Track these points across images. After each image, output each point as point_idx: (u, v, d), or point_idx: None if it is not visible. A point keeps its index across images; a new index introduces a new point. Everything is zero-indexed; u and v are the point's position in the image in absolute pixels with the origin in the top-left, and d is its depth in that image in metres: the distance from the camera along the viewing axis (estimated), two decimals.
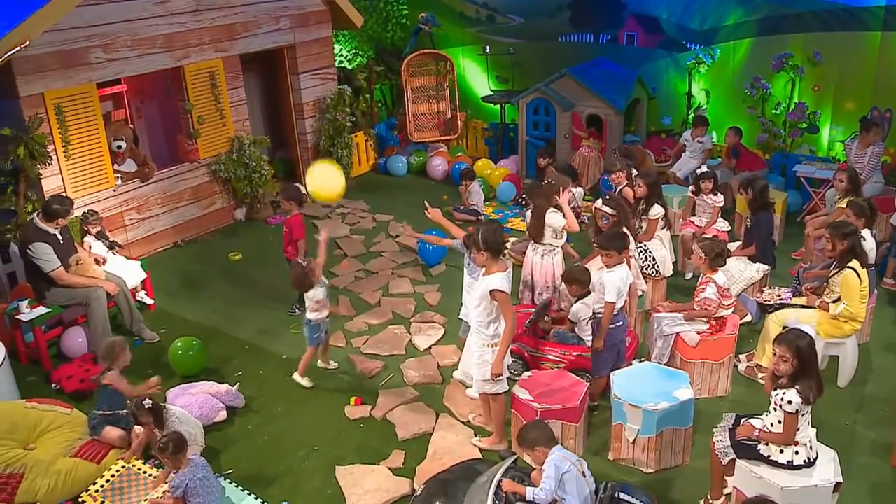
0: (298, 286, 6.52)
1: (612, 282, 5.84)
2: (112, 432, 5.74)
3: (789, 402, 4.56)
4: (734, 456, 4.88)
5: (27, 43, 7.66)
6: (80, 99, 8.45)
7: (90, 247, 7.78)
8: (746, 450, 4.84)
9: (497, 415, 5.71)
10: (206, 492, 5.03)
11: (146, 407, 5.37)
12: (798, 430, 4.66)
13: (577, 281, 6.24)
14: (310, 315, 6.52)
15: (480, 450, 5.76)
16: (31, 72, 7.95)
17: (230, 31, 9.96)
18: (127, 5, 8.70)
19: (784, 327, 6.44)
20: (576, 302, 6.33)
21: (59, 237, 7.05)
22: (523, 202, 10.49)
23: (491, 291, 5.20)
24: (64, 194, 7.60)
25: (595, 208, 7.18)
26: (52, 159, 8.22)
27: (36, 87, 8.02)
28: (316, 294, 6.46)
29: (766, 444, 4.77)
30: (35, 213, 7.18)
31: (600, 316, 5.94)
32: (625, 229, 6.95)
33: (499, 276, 5.21)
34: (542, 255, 7.06)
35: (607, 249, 5.89)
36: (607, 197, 7.34)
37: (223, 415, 6.24)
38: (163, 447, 5.00)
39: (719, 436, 5.01)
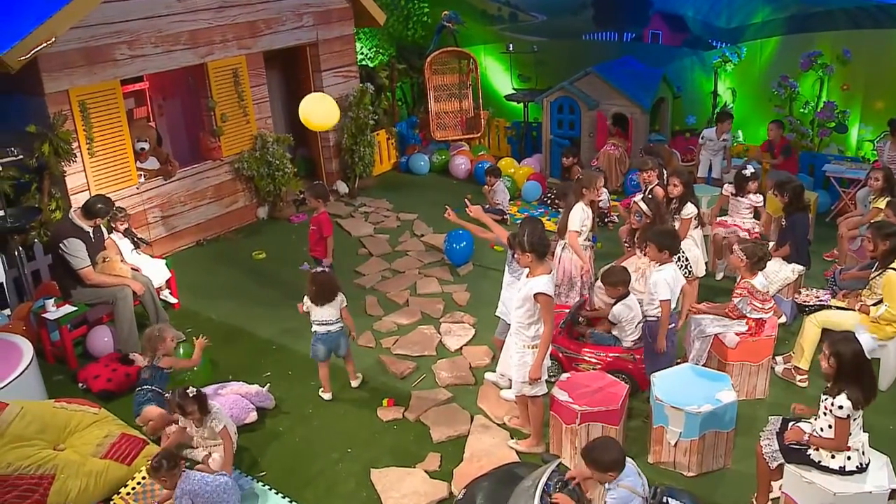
0: (329, 294, 6.17)
1: (663, 280, 5.73)
2: (154, 411, 5.82)
3: (840, 407, 4.46)
4: (783, 460, 4.77)
5: (53, 39, 7.60)
6: (105, 96, 8.38)
7: (114, 242, 7.67)
8: (796, 454, 4.73)
9: (535, 417, 5.61)
10: (211, 490, 4.96)
11: (190, 395, 5.31)
12: (850, 434, 4.55)
13: (619, 282, 6.12)
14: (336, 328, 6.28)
15: (518, 452, 5.65)
16: (57, 69, 7.89)
17: (253, 28, 9.87)
18: (151, 1, 8.63)
19: (823, 329, 6.37)
20: (615, 303, 6.22)
21: (92, 236, 6.98)
22: (548, 201, 10.38)
23: (535, 294, 5.09)
24: (101, 195, 7.50)
25: (633, 202, 7.07)
26: (76, 156, 8.15)
27: (61, 83, 7.96)
28: (342, 301, 6.29)
29: (817, 450, 4.65)
30: (72, 209, 7.11)
31: (651, 320, 5.79)
32: None
33: (544, 279, 5.11)
34: (564, 248, 7.03)
35: (661, 249, 5.74)
36: (649, 196, 7.21)
37: (253, 416, 6.15)
38: (156, 467, 4.85)
39: (766, 440, 4.90)
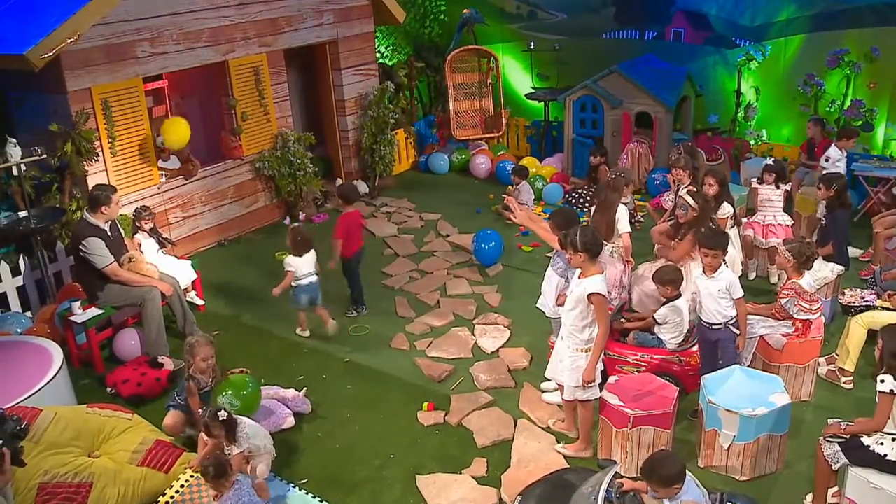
0: (307, 243, 7.03)
1: (736, 279, 5.59)
2: (173, 416, 5.76)
3: (881, 381, 4.42)
4: (846, 460, 4.65)
5: (77, 37, 7.46)
6: (127, 94, 8.24)
7: (140, 244, 7.54)
8: (858, 452, 4.62)
9: (585, 421, 5.47)
10: None
11: (220, 419, 5.13)
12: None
13: (672, 282, 5.96)
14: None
15: (565, 457, 5.51)
16: (79, 66, 7.75)
17: (274, 26, 9.73)
18: None
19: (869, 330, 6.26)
20: (665, 303, 6.07)
21: (109, 232, 6.82)
22: (573, 201, 10.23)
23: (589, 295, 4.96)
24: (97, 184, 7.31)
25: (679, 196, 6.94)
26: (98, 155, 7.99)
27: (83, 81, 7.82)
28: (313, 256, 7.10)
29: (880, 443, 4.54)
30: (84, 210, 6.95)
31: (717, 327, 5.61)
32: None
33: (598, 279, 4.98)
34: (611, 253, 6.82)
35: (713, 249, 5.56)
36: (695, 190, 7.05)
37: (291, 421, 6.01)
38: (204, 471, 4.81)
39: (827, 441, 4.78)
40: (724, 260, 5.68)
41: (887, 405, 4.42)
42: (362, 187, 11.12)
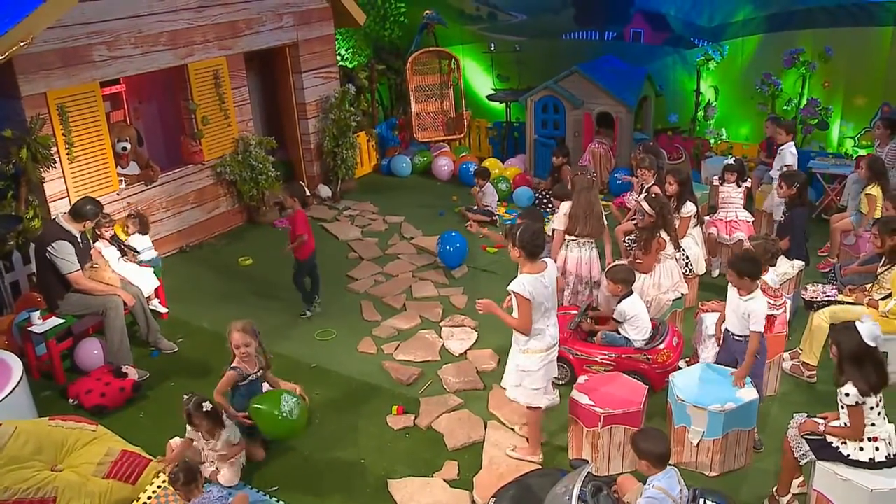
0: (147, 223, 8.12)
1: (758, 311, 5.35)
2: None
3: (846, 395, 4.51)
4: (814, 458, 4.72)
5: (30, 40, 7.28)
6: (84, 98, 8.07)
7: (100, 252, 7.39)
8: (826, 451, 4.70)
9: (533, 424, 5.46)
10: None
11: (204, 409, 5.09)
12: (874, 425, 4.56)
13: (623, 280, 6.07)
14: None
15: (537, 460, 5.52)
16: (34, 70, 7.57)
17: (234, 29, 9.61)
18: (131, 1, 8.33)
19: (832, 324, 6.36)
20: (619, 302, 6.13)
21: (80, 241, 6.68)
22: (536, 202, 10.27)
23: (510, 290, 4.98)
24: (89, 196, 7.17)
25: (636, 201, 7.01)
26: (55, 162, 7.81)
27: (38, 86, 7.64)
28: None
29: (844, 443, 4.64)
30: (60, 213, 6.80)
31: (738, 338, 5.56)
32: (664, 233, 6.81)
33: (524, 279, 4.93)
34: (588, 249, 6.91)
35: (741, 276, 5.35)
36: (653, 195, 7.10)
37: None
38: (173, 478, 4.77)
39: (795, 439, 4.84)
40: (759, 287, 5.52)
41: (859, 415, 4.51)
42: (325, 191, 11.05)
